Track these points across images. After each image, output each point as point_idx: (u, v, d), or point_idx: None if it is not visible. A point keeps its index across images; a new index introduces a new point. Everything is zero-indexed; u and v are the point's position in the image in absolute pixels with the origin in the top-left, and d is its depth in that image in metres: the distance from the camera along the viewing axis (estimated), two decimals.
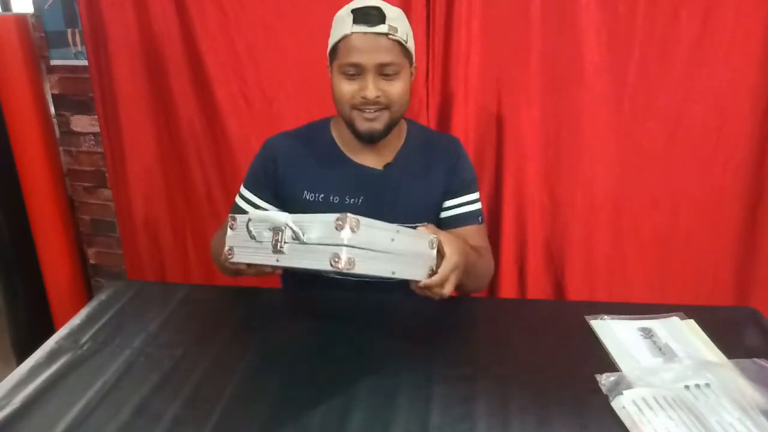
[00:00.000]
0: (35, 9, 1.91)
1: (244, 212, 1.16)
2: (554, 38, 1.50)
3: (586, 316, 1.04)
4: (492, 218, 1.68)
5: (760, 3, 1.41)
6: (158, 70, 1.73)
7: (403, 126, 1.22)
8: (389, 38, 1.03)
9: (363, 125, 1.09)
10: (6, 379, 0.88)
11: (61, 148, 2.09)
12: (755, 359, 0.90)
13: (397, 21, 1.05)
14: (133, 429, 0.78)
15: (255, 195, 1.20)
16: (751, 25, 1.43)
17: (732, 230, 1.60)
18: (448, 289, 0.94)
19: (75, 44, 1.90)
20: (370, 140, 1.12)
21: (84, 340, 0.99)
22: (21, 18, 1.88)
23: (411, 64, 1.11)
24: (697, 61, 1.47)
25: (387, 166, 1.18)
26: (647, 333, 0.99)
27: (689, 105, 1.51)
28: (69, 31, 1.89)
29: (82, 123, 2.03)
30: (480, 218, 1.24)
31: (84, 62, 1.84)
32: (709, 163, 1.56)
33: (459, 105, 1.59)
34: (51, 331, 1.01)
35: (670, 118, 1.53)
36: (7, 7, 2.09)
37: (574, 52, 1.50)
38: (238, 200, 1.22)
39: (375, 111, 1.07)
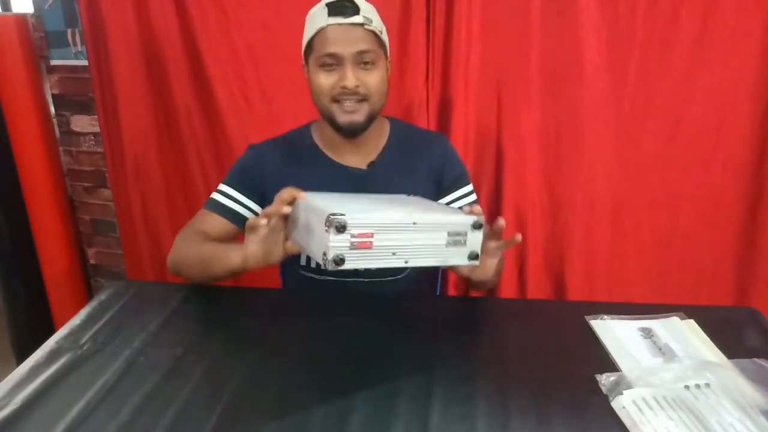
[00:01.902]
0: (35, 9, 1.91)
1: (222, 207, 1.17)
2: (554, 38, 1.51)
3: (586, 316, 1.04)
4: (492, 218, 1.67)
5: (760, 3, 1.41)
6: (158, 70, 1.73)
7: (386, 124, 1.22)
8: (365, 28, 1.04)
9: (343, 117, 1.08)
10: (6, 379, 0.88)
11: (61, 148, 2.09)
12: (755, 359, 0.90)
13: (370, 13, 1.06)
14: (133, 429, 0.78)
15: (239, 192, 1.18)
16: (751, 25, 1.43)
17: (732, 230, 1.60)
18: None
19: (75, 44, 1.90)
20: (351, 133, 1.11)
21: (84, 340, 0.98)
22: (21, 18, 1.88)
23: (386, 57, 1.12)
24: (697, 61, 1.47)
25: (370, 164, 1.18)
26: (647, 333, 0.99)
27: (689, 105, 1.51)
28: (69, 31, 1.89)
29: (82, 123, 2.03)
30: None
31: (84, 62, 1.84)
32: (709, 163, 1.56)
33: (459, 105, 1.59)
34: (51, 331, 1.01)
35: (670, 118, 1.53)
36: (7, 7, 2.09)
37: (574, 52, 1.50)
38: (217, 197, 1.19)
39: (355, 102, 1.07)
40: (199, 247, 1.11)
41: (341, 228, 0.78)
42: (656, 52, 1.48)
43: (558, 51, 1.51)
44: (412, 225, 0.84)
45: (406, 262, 0.85)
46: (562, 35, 1.50)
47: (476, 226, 0.89)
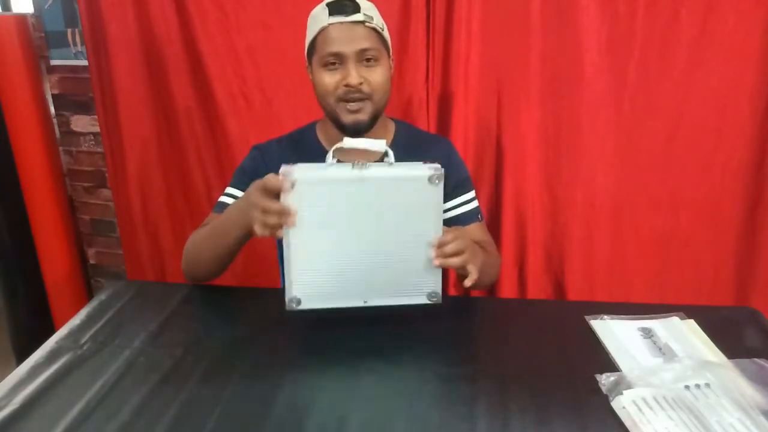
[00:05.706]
0: (35, 9, 1.91)
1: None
2: (554, 38, 1.50)
3: (586, 316, 1.04)
4: (492, 218, 1.68)
5: (760, 3, 1.41)
6: (158, 70, 1.73)
7: (390, 125, 1.22)
8: (366, 26, 1.05)
9: (348, 117, 1.09)
10: (6, 379, 0.88)
11: (61, 148, 2.09)
12: (755, 359, 0.90)
13: (371, 11, 1.07)
14: (133, 429, 0.78)
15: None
16: (751, 25, 1.43)
17: (732, 230, 1.60)
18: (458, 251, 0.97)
19: (75, 44, 1.90)
20: (356, 133, 1.11)
21: (84, 340, 0.98)
22: (21, 18, 1.88)
23: (389, 55, 1.12)
24: (697, 61, 1.47)
25: None
26: (647, 333, 0.99)
27: (689, 105, 1.51)
28: (69, 31, 1.89)
29: (82, 123, 2.04)
30: (479, 216, 1.24)
31: (84, 62, 1.84)
32: (709, 163, 1.56)
33: (459, 105, 1.59)
34: (51, 331, 1.01)
35: (670, 118, 1.53)
36: (7, 7, 2.09)
37: (574, 52, 1.50)
38: (225, 199, 1.19)
39: (359, 102, 1.08)
40: (205, 230, 1.13)
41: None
42: (656, 52, 1.48)
43: (558, 51, 1.51)
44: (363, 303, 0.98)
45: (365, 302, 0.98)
46: (562, 35, 1.50)
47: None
